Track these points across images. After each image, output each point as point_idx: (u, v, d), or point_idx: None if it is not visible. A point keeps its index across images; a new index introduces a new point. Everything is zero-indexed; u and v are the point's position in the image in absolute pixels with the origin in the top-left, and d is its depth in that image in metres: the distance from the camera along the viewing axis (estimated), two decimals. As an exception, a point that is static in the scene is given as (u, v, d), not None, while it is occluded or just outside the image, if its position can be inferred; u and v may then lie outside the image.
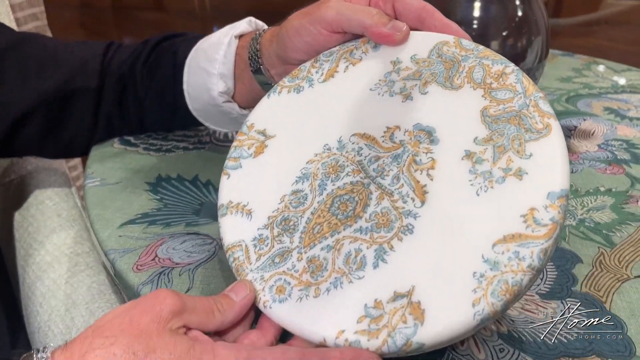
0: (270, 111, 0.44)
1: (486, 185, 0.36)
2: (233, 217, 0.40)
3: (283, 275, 0.37)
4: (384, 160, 0.39)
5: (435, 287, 0.34)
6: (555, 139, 0.35)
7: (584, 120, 0.71)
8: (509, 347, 0.38)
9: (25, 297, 0.62)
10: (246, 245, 0.39)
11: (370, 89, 0.42)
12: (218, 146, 0.63)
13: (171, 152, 0.61)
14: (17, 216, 0.65)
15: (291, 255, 0.38)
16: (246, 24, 0.53)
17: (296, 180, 0.41)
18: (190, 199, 0.53)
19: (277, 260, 0.38)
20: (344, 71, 0.44)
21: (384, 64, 0.43)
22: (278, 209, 0.40)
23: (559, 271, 0.45)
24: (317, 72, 0.44)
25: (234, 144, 0.44)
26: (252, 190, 0.41)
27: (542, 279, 0.44)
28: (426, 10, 0.42)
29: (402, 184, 0.38)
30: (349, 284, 0.36)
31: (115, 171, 0.57)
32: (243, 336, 0.36)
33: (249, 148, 0.43)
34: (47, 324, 0.57)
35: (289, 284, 0.37)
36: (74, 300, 0.57)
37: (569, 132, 0.68)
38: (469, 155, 0.37)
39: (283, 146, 0.43)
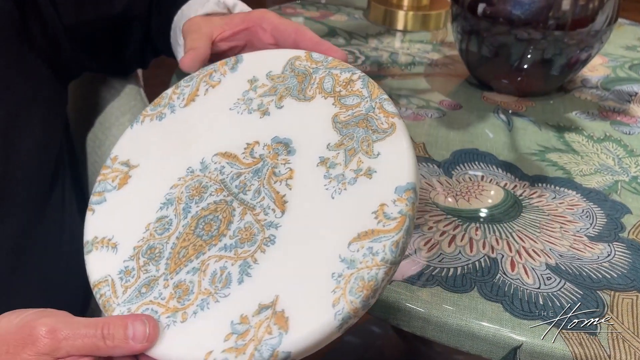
0: (133, 141, 0.44)
1: (340, 188, 0.36)
2: (98, 252, 0.40)
3: (150, 304, 0.37)
4: (245, 176, 0.39)
5: (298, 293, 0.34)
6: (400, 136, 0.36)
7: (645, 88, 0.72)
8: (555, 276, 0.42)
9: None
10: (112, 280, 0.38)
11: (230, 109, 0.42)
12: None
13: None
14: (91, 110, 0.69)
15: (157, 284, 0.37)
16: (214, 5, 0.53)
17: (160, 207, 0.40)
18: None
19: (143, 290, 0.37)
20: (204, 94, 0.44)
21: (242, 83, 0.43)
22: (143, 238, 0.39)
23: (608, 219, 0.48)
24: (178, 98, 0.44)
25: (98, 178, 0.43)
26: (118, 222, 0.41)
27: (591, 224, 0.47)
28: (300, 32, 0.46)
29: (263, 197, 0.38)
30: (215, 304, 0.35)
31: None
32: None
33: (112, 180, 0.43)
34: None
35: (156, 312, 0.36)
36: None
37: (630, 97, 0.69)
38: (323, 161, 0.38)
39: (146, 174, 0.42)
